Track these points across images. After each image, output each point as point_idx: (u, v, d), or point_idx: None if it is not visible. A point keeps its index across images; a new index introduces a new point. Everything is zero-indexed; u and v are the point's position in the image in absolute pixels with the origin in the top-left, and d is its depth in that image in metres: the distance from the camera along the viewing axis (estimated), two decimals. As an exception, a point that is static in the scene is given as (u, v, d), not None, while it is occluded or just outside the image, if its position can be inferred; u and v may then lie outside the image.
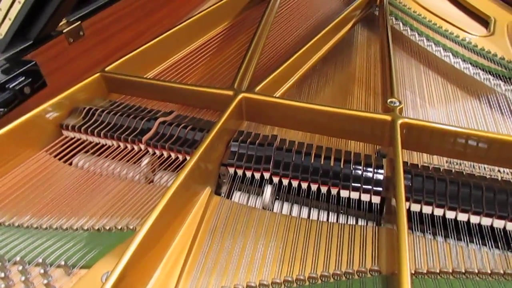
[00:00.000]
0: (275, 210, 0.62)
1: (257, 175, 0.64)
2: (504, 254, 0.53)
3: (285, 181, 0.63)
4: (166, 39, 0.93)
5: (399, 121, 0.62)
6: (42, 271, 0.51)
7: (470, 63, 0.90)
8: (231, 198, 0.65)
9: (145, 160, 0.69)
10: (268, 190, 0.63)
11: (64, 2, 0.78)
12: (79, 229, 0.58)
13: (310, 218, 0.61)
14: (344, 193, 0.61)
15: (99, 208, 0.61)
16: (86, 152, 0.74)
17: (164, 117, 0.73)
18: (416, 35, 1.02)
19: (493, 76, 0.86)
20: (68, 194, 0.65)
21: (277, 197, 0.64)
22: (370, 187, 0.59)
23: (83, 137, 0.74)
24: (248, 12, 1.17)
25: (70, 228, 0.58)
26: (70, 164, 0.72)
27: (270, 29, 1.00)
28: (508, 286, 0.49)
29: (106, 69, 0.82)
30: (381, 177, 0.60)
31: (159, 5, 1.18)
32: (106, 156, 0.72)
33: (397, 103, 0.67)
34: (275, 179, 0.63)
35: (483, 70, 0.88)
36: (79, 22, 0.90)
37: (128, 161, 0.71)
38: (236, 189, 0.66)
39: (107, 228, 0.57)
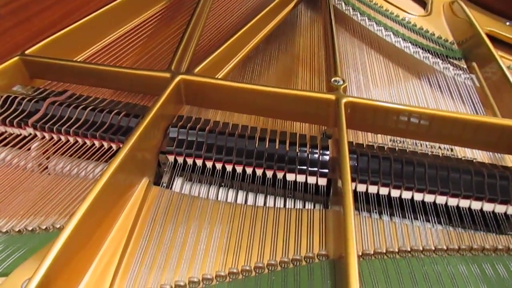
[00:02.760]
0: (219, 198, 0.59)
1: (199, 162, 0.60)
2: (446, 230, 0.53)
3: (229, 167, 0.59)
4: (97, 18, 0.85)
5: (343, 100, 0.61)
6: (-51, 283, 0.44)
7: (410, 42, 0.91)
8: (171, 188, 0.61)
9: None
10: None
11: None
12: (-4, 232, 0.51)
13: (256, 204, 0.58)
14: (290, 177, 0.58)
15: (21, 207, 0.55)
16: (6, 145, 0.66)
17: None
18: (358, 15, 1.01)
19: (432, 55, 0.88)
20: (-17, 193, 0.57)
21: (222, 184, 0.61)
22: (316, 169, 0.57)
23: (1, 128, 0.66)
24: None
25: (-15, 231, 0.51)
26: (-13, 159, 0.64)
27: (211, 8, 0.95)
28: (451, 261, 0.49)
29: (27, 51, 0.74)
30: (327, 158, 0.58)
31: (90, -17, 1.09)
32: (29, 149, 0.64)
33: (341, 82, 0.65)
34: (218, 165, 0.60)
35: (422, 49, 0.89)
36: (-9, -2, 0.80)
37: (55, 152, 0.64)
38: (177, 178, 0.62)
39: (30, 229, 0.51)
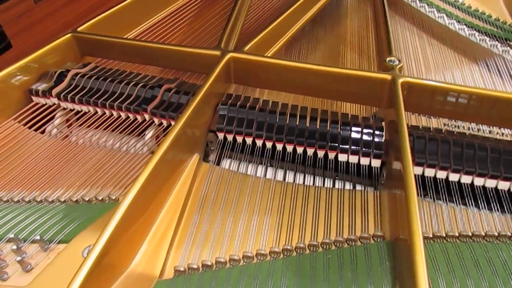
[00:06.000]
0: (268, 177, 0.58)
1: (249, 140, 0.60)
2: (510, 216, 0.51)
3: (279, 146, 0.59)
4: (144, -2, 0.86)
5: (400, 80, 0.58)
6: (14, 247, 0.46)
7: (465, 24, 0.87)
8: (220, 165, 0.60)
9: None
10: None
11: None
12: (55, 201, 0.53)
13: (306, 184, 0.57)
14: (342, 157, 0.57)
15: (77, 178, 0.56)
16: (67, 121, 0.68)
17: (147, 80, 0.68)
18: (409, -3, 0.97)
19: (489, 37, 0.83)
20: (41, 164, 0.59)
21: (270, 164, 0.60)
22: (370, 150, 0.56)
23: (63, 104, 0.67)
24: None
25: (45, 200, 0.53)
26: (42, 132, 0.65)
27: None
28: (516, 248, 0.47)
29: (79, 29, 0.75)
30: (381, 139, 0.56)
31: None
32: (82, 124, 0.66)
33: (397, 62, 0.63)
34: (268, 144, 0.59)
35: (479, 31, 0.85)
36: (44, -23, 0.81)
37: (106, 128, 0.65)
38: (225, 157, 0.61)
39: (87, 199, 0.52)
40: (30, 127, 0.65)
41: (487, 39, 0.83)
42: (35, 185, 0.56)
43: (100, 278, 0.41)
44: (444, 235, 0.48)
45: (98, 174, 0.56)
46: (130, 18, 0.84)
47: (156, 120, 0.63)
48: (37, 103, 0.68)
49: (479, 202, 0.52)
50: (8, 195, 0.55)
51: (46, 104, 0.68)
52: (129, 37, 0.83)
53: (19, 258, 0.44)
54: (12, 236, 0.47)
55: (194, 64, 0.70)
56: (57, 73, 0.69)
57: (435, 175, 0.54)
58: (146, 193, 0.47)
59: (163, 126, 0.63)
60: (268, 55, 0.76)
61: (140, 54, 0.73)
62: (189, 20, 0.92)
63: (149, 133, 0.63)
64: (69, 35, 0.74)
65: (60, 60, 0.74)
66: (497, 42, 0.81)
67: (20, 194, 0.54)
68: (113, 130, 0.65)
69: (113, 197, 0.52)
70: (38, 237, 0.46)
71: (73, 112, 0.68)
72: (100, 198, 0.52)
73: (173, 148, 0.52)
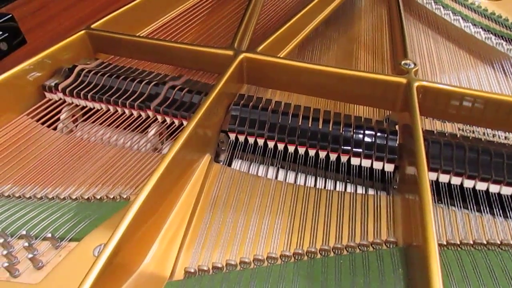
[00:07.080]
0: (279, 179, 0.58)
1: (261, 142, 0.59)
2: (526, 225, 0.50)
3: (291, 148, 0.58)
4: (157, -4, 0.86)
5: (416, 84, 0.58)
6: (26, 244, 0.46)
7: (481, 28, 0.86)
8: (230, 166, 0.60)
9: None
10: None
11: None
12: (67, 199, 0.53)
13: (317, 187, 0.56)
14: (355, 161, 0.56)
15: (89, 176, 0.56)
16: (72, 116, 0.68)
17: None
18: (423, -2, 0.96)
19: (506, 41, 0.82)
20: (53, 161, 0.59)
21: (282, 166, 0.60)
22: (383, 154, 0.55)
23: (69, 100, 0.68)
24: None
25: (56, 197, 0.53)
26: (54, 129, 0.66)
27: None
28: (532, 258, 0.46)
29: (92, 26, 0.75)
30: (395, 143, 0.56)
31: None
32: (94, 121, 0.66)
33: (412, 65, 0.62)
34: (280, 146, 0.59)
35: (495, 35, 0.84)
36: (59, -27, 0.82)
37: (118, 126, 0.65)
38: (237, 157, 0.61)
39: (98, 197, 0.52)
40: (43, 123, 0.65)
41: (504, 42, 0.81)
42: (46, 182, 0.56)
43: (111, 277, 0.41)
44: (458, 242, 0.47)
45: (109, 173, 0.56)
46: (143, 16, 0.84)
47: (168, 119, 0.63)
48: (50, 99, 0.69)
49: (494, 209, 0.51)
50: (20, 191, 0.55)
51: (59, 100, 0.68)
52: (142, 35, 0.84)
53: (30, 256, 0.45)
54: (24, 232, 0.47)
55: (206, 63, 0.70)
56: (70, 70, 0.69)
57: (449, 181, 0.53)
58: (157, 193, 0.47)
59: (166, 123, 0.63)
60: (281, 56, 0.75)
61: (153, 52, 0.73)
62: (202, 19, 0.92)
63: (152, 130, 0.63)
64: (82, 32, 0.74)
65: (74, 56, 0.74)
66: (514, 46, 0.80)
67: (32, 191, 0.55)
68: (125, 128, 0.65)
69: (124, 196, 0.52)
70: (49, 235, 0.46)
71: (86, 109, 0.68)
72: (112, 197, 0.52)
73: (185, 148, 0.52)
